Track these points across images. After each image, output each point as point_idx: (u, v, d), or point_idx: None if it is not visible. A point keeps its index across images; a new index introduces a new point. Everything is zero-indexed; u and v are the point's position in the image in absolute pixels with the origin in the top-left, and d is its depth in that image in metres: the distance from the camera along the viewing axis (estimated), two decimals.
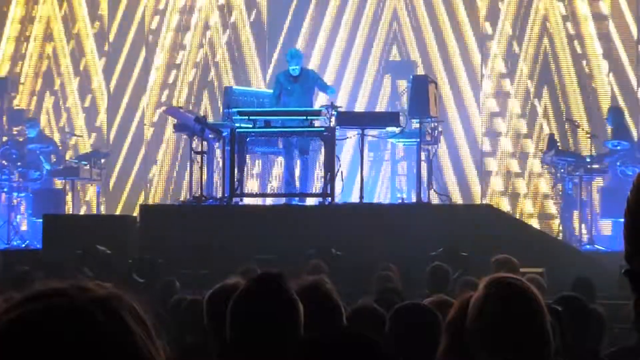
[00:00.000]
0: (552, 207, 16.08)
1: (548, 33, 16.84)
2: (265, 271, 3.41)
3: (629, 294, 2.68)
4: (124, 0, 18.07)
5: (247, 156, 12.98)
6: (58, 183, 16.01)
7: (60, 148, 16.24)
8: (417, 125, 12.72)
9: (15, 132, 16.42)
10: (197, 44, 17.87)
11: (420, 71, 16.27)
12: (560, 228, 14.78)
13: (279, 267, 3.75)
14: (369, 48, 17.38)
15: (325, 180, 12.34)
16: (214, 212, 12.48)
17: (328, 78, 15.82)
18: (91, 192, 17.08)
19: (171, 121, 15.04)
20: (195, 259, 11.09)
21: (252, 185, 15.63)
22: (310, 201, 13.35)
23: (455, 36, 17.10)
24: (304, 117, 12.51)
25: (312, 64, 16.49)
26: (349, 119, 12.88)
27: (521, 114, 16.81)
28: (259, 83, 17.25)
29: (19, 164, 15.12)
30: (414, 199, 13.06)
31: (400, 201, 14.48)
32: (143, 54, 18.02)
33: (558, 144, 14.82)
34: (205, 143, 12.87)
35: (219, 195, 13.08)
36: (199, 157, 12.84)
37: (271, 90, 13.61)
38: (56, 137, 17.11)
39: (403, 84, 15.13)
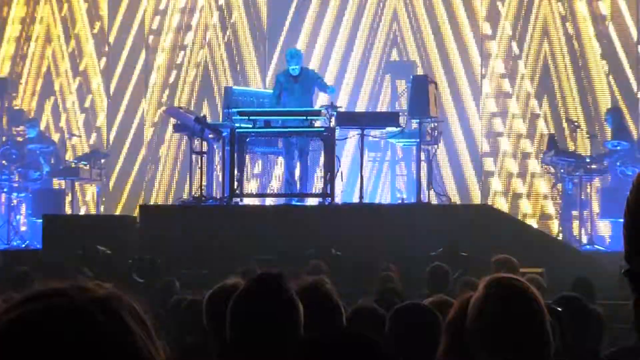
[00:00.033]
0: (551, 208, 16.08)
1: (548, 34, 16.83)
2: (265, 271, 3.41)
3: (629, 294, 2.68)
4: (125, 0, 18.08)
5: (247, 156, 12.98)
6: (58, 183, 16.01)
7: (60, 148, 16.23)
8: (417, 126, 12.73)
9: (15, 132, 16.41)
10: (197, 44, 17.88)
11: (420, 71, 16.26)
12: (560, 228, 14.78)
13: (279, 267, 3.75)
14: (369, 48, 17.38)
15: (325, 181, 12.34)
16: (214, 212, 12.48)
17: (328, 78, 15.81)
18: (91, 192, 17.07)
19: (171, 121, 15.05)
20: (195, 259, 11.09)
21: (252, 185, 15.64)
22: (310, 201, 13.35)
23: (455, 37, 17.11)
24: (304, 117, 12.51)
25: (312, 64, 16.48)
26: (348, 119, 12.89)
27: (521, 114, 16.81)
28: (258, 83, 17.25)
29: (18, 164, 15.12)
30: (413, 199, 13.06)
31: (400, 201, 14.49)
32: (143, 54, 18.03)
33: (558, 144, 14.82)
34: (205, 143, 12.87)
35: (219, 195, 13.08)
36: (199, 157, 12.84)
37: (271, 91, 13.61)
38: (56, 138, 17.12)
39: (403, 84, 15.14)
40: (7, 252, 13.05)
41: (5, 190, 15.24)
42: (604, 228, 15.06)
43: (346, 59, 17.35)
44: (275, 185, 15.07)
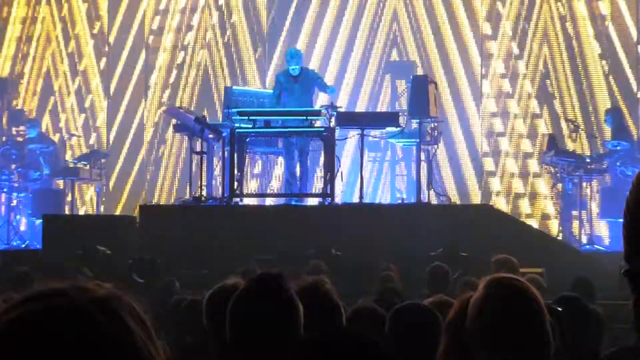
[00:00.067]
0: (551, 208, 16.08)
1: (547, 34, 16.83)
2: (265, 271, 3.41)
3: (629, 294, 2.69)
4: (125, 0, 18.08)
5: (247, 156, 12.98)
6: (58, 183, 16.01)
7: (59, 148, 16.23)
8: (417, 126, 12.73)
9: (15, 132, 16.41)
10: (198, 45, 17.88)
11: (420, 72, 16.26)
12: (560, 228, 14.78)
13: (279, 267, 3.75)
14: (369, 49, 17.38)
15: (325, 181, 12.34)
16: (214, 212, 12.48)
17: (328, 78, 15.81)
18: (91, 192, 17.07)
19: (172, 121, 15.04)
20: (195, 259, 11.09)
21: (252, 185, 15.63)
22: (310, 201, 13.35)
23: (455, 37, 17.11)
24: (304, 117, 12.51)
25: (312, 64, 16.48)
26: (348, 119, 12.88)
27: (520, 114, 16.81)
28: (258, 84, 17.25)
29: (18, 164, 15.12)
30: (413, 199, 13.06)
31: (400, 201, 14.49)
32: (143, 54, 18.03)
33: (558, 144, 14.82)
34: (205, 143, 12.88)
35: (219, 195, 13.08)
36: (199, 158, 12.84)
37: (271, 91, 13.61)
38: (56, 138, 17.11)
39: (403, 84, 15.13)
40: (7, 252, 13.04)
41: (5, 190, 15.23)
42: (604, 228, 15.06)
43: (346, 59, 17.35)
44: (275, 185, 15.07)
